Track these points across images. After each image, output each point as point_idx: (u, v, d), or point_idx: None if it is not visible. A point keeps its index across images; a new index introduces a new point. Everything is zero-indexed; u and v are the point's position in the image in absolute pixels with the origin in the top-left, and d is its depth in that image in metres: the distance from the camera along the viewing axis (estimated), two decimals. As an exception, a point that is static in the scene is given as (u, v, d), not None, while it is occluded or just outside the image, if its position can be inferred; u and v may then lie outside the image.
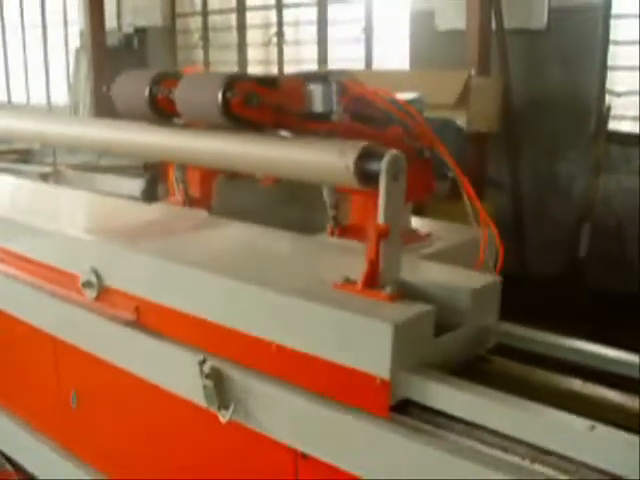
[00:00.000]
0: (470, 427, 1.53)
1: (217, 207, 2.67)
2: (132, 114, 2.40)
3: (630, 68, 5.56)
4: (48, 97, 11.53)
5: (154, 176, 3.55)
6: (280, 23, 8.15)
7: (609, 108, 5.63)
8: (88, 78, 8.97)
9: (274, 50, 8.33)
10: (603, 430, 1.39)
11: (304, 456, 1.74)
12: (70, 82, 10.20)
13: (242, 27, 8.61)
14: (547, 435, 1.42)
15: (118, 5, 9.55)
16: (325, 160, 1.90)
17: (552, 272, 5.68)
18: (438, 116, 2.42)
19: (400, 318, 1.59)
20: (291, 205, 2.74)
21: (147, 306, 2.11)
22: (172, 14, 9.30)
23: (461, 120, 5.03)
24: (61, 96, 10.90)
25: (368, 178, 1.79)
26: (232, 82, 2.02)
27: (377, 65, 7.22)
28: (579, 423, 1.42)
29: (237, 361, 1.86)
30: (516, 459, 1.44)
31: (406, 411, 1.60)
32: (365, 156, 1.80)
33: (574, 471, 1.38)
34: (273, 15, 8.27)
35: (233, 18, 8.74)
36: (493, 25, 5.66)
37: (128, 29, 9.49)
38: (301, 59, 8.08)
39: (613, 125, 5.66)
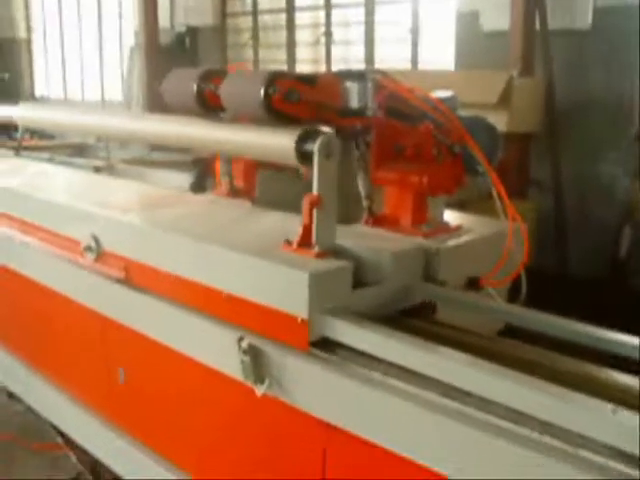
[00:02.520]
0: (379, 362, 1.79)
1: (260, 198, 2.81)
2: (180, 108, 2.55)
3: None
4: (102, 94, 11.85)
5: (203, 170, 3.69)
6: (328, 23, 8.28)
7: (653, 110, 5.64)
8: (141, 76, 9.22)
9: (322, 49, 8.47)
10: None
11: (334, 429, 1.86)
12: (124, 80, 10.48)
13: (291, 27, 8.76)
14: (444, 370, 1.68)
15: (171, 5, 9.79)
16: (274, 142, 2.20)
17: (593, 272, 5.70)
18: (470, 114, 2.51)
19: (317, 269, 1.90)
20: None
21: (134, 266, 2.47)
22: (223, 13, 9.49)
23: (503, 120, 5.09)
24: (115, 93, 11.19)
25: (306, 157, 2.06)
26: (274, 79, 2.15)
27: (423, 65, 7.30)
28: (463, 358, 1.68)
29: (196, 305, 2.22)
30: (416, 390, 1.67)
31: (324, 347, 1.90)
32: (304, 138, 2.07)
33: (462, 398, 1.61)
34: (322, 15, 8.40)
35: (283, 18, 8.89)
36: (537, 26, 5.71)
37: (180, 28, 9.71)
38: (349, 58, 8.19)
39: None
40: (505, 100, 5.10)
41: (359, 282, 2.03)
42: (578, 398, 1.51)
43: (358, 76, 2.25)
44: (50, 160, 4.66)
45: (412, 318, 2.12)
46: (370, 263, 2.07)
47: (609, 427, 1.42)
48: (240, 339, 2.00)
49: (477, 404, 1.59)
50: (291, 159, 2.11)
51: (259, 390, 1.98)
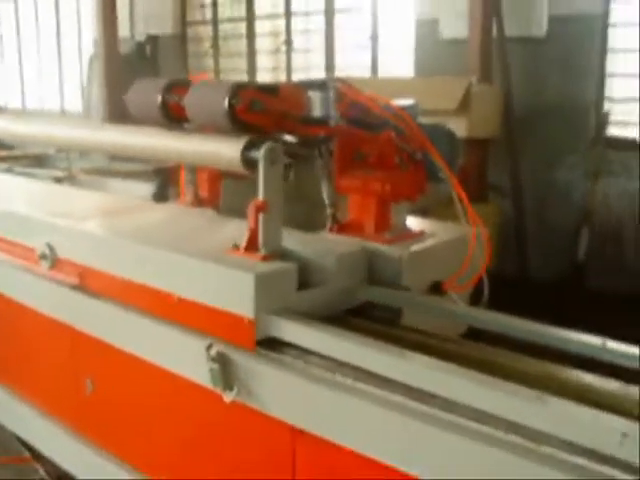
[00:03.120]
0: (323, 359, 1.88)
1: (224, 206, 2.83)
2: (145, 119, 2.56)
3: (628, 75, 5.73)
4: (62, 104, 11.75)
5: (165, 179, 3.69)
6: (288, 31, 8.32)
7: (607, 114, 5.78)
8: (101, 85, 9.16)
9: (283, 58, 8.51)
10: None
11: (301, 432, 1.90)
12: (84, 90, 10.40)
13: (252, 35, 8.79)
14: (384, 364, 1.77)
15: (131, 13, 9.75)
16: (222, 151, 2.24)
17: (552, 275, 5.82)
18: (430, 121, 2.57)
19: (262, 271, 1.99)
20: (296, 204, 2.89)
21: (88, 272, 2.52)
22: (183, 22, 9.48)
23: (462, 126, 5.17)
24: (75, 103, 11.10)
25: (252, 164, 2.12)
26: (237, 90, 2.18)
27: (383, 72, 7.38)
28: (410, 356, 1.77)
29: (149, 309, 2.28)
30: (361, 385, 1.76)
31: (270, 346, 1.99)
32: (250, 147, 2.13)
33: (423, 398, 1.67)
34: (282, 23, 8.44)
35: (243, 26, 8.91)
36: (495, 33, 5.81)
37: (140, 37, 9.67)
38: (309, 66, 8.24)
39: (612, 131, 5.82)
40: (464, 106, 5.19)
41: (305, 283, 2.12)
42: (541, 397, 1.56)
43: (320, 85, 2.29)
44: (9, 171, 4.63)
45: (358, 318, 2.20)
46: (314, 265, 2.15)
47: (570, 425, 1.47)
48: (209, 347, 2.02)
49: (428, 400, 1.66)
50: (238, 167, 2.17)
51: (228, 397, 2.00)
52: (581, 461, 1.42)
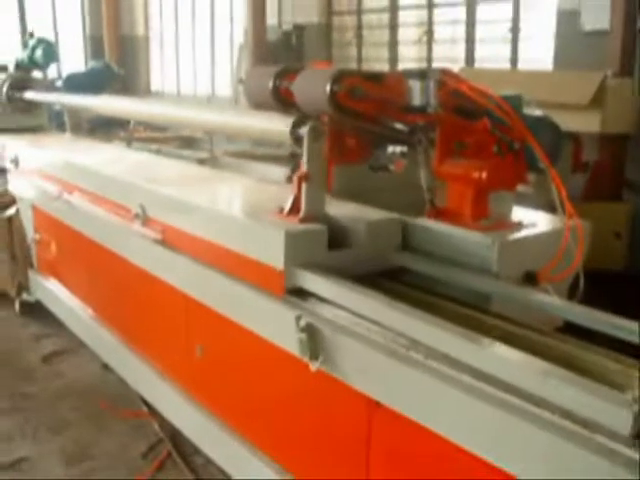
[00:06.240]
0: (338, 308, 2.14)
1: (335, 190, 2.95)
2: (259, 103, 2.73)
3: None
4: (212, 89, 12.28)
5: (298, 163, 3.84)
6: (430, 22, 8.33)
7: None
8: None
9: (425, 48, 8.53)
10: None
11: (377, 404, 1.99)
12: (233, 76, 10.82)
13: (394, 26, 8.86)
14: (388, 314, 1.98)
15: (279, 3, 10.05)
16: (278, 128, 2.54)
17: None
18: (559, 114, 2.59)
19: (293, 230, 2.28)
20: (405, 190, 2.97)
21: (169, 229, 2.90)
22: (329, 12, 9.68)
23: (596, 120, 5.05)
24: (225, 89, 11.57)
25: (298, 139, 2.40)
26: (340, 77, 2.30)
27: (523, 64, 7.27)
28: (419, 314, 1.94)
29: (206, 258, 2.67)
30: (373, 329, 1.99)
31: (297, 294, 2.27)
32: (297, 124, 2.42)
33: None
34: (425, 14, 8.45)
35: (387, 17, 8.99)
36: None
37: (287, 26, 9.96)
38: (450, 57, 8.21)
39: None
40: (598, 101, 5.04)
41: (340, 245, 2.38)
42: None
43: (421, 74, 2.36)
44: (158, 151, 4.94)
45: (384, 279, 2.38)
46: (347, 229, 2.41)
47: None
48: (298, 317, 2.14)
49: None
50: (287, 141, 2.49)
51: (314, 366, 2.12)
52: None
